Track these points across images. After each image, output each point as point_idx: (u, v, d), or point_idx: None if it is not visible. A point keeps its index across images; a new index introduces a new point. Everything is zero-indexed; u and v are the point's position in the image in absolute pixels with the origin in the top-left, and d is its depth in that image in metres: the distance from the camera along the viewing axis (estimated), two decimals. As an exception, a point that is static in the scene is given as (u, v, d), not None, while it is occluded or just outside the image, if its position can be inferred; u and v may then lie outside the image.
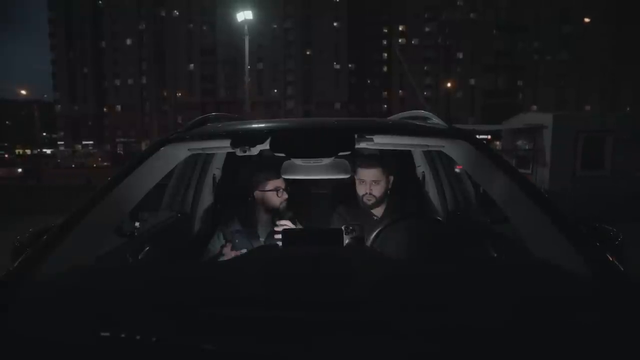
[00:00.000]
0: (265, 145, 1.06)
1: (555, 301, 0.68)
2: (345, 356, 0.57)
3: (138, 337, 0.60)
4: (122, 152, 50.84)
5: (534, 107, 44.84)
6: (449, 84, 46.22)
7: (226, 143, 1.10)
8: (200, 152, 1.41)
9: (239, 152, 1.09)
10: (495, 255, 1.40)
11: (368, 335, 0.60)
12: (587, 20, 41.44)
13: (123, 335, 0.61)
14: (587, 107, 46.61)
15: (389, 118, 1.59)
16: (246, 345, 0.59)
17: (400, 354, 0.57)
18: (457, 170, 2.00)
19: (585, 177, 7.12)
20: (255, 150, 1.09)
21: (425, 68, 51.63)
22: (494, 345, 0.58)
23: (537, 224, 0.90)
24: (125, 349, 0.60)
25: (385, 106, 54.62)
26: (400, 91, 52.96)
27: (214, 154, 1.94)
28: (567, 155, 7.30)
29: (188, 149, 1.26)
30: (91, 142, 56.99)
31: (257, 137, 1.06)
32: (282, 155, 1.09)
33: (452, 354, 0.57)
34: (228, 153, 1.98)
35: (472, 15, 49.90)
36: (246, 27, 17.39)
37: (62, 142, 59.58)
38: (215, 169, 2.02)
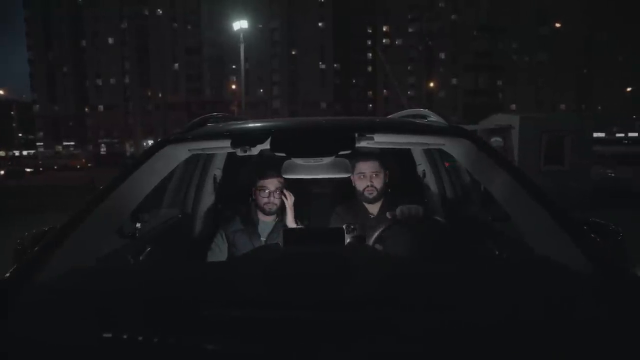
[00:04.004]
0: (266, 145, 1.05)
1: (557, 298, 0.68)
2: (348, 356, 0.56)
3: (140, 338, 0.60)
4: (104, 153, 49.90)
5: (513, 106, 46.35)
6: (431, 84, 47.22)
7: (227, 143, 1.10)
8: (200, 152, 1.41)
9: (239, 152, 1.09)
10: (497, 253, 1.40)
11: (371, 335, 0.59)
12: (558, 25, 43.04)
13: (125, 337, 0.61)
14: (563, 106, 48.50)
15: (388, 116, 1.59)
16: (248, 345, 0.58)
17: (403, 353, 0.56)
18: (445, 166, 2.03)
19: (549, 172, 7.79)
20: (255, 150, 1.09)
21: (409, 68, 52.46)
22: (497, 343, 0.58)
23: (538, 221, 0.90)
24: (127, 349, 0.59)
25: (371, 105, 55.28)
26: (384, 90, 53.71)
27: (214, 154, 1.95)
28: (533, 152, 7.95)
29: (188, 150, 1.25)
30: (72, 143, 55.72)
31: (257, 137, 1.06)
32: (283, 155, 1.09)
33: (455, 352, 0.56)
34: (228, 153, 1.96)
35: (453, 16, 51.04)
36: (242, 36, 17.53)
37: (42, 143, 58.01)
38: (216, 169, 2.03)
